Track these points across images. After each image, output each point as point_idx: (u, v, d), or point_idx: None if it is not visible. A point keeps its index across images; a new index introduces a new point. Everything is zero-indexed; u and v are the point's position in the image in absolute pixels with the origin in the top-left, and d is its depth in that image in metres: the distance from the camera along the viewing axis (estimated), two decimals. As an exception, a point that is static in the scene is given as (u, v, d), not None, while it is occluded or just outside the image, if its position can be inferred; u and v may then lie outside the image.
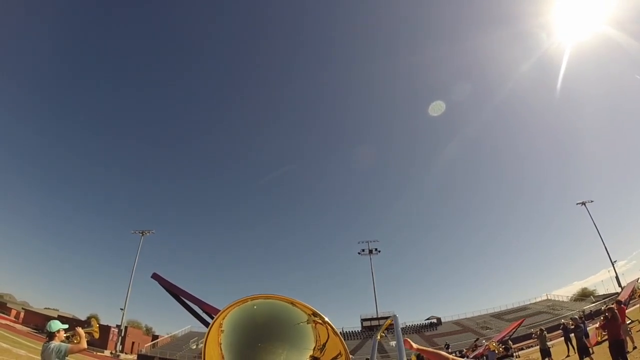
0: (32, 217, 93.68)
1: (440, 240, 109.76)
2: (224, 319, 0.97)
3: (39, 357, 4.85)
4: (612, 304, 12.17)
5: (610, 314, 9.95)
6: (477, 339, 29.67)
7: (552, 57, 79.76)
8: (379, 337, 2.47)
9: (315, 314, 0.97)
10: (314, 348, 0.97)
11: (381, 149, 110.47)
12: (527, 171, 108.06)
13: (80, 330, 5.21)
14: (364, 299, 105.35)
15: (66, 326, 5.12)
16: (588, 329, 17.09)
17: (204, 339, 0.98)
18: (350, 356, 0.99)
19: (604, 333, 12.81)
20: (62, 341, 4.92)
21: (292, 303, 0.97)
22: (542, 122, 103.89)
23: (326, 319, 0.96)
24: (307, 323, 0.98)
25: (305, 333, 0.98)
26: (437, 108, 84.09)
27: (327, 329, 0.97)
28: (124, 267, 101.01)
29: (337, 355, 0.98)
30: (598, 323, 15.06)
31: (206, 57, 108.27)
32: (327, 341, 0.97)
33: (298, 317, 0.98)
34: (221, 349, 0.98)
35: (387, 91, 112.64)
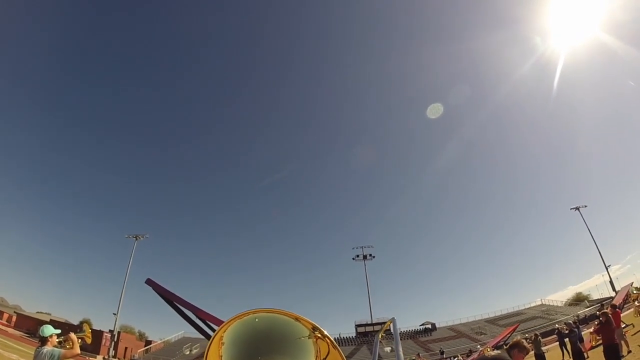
0: (25, 220, 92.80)
1: (435, 246, 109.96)
2: (225, 331, 0.97)
3: None
4: (607, 309, 12.21)
5: (604, 319, 9.95)
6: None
7: (547, 62, 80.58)
8: (380, 338, 2.51)
9: (315, 328, 0.98)
10: None
11: (377, 152, 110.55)
12: (521, 176, 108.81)
13: (72, 335, 5.18)
14: (358, 305, 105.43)
15: (59, 331, 5.08)
16: (582, 333, 17.16)
17: (205, 352, 0.98)
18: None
19: (598, 337, 12.85)
20: (54, 346, 4.88)
21: (294, 318, 0.98)
22: (537, 126, 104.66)
23: (325, 332, 0.97)
24: (308, 338, 0.99)
25: (306, 347, 0.99)
26: (435, 110, 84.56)
27: (327, 343, 0.98)
28: (117, 272, 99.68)
29: None
30: (592, 327, 15.13)
31: (203, 57, 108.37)
32: (327, 356, 0.98)
33: (299, 332, 0.98)
34: None
35: (383, 94, 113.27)
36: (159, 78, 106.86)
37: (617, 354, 9.63)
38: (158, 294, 9.42)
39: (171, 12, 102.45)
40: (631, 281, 29.91)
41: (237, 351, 0.99)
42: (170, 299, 9.13)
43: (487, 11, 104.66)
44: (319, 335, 0.98)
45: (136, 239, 51.98)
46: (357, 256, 62.39)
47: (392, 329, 2.06)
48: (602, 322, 10.07)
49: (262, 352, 0.99)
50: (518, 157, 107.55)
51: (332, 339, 0.97)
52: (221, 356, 0.98)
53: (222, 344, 0.98)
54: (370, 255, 62.29)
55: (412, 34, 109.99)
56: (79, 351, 5.08)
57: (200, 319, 8.69)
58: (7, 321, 43.33)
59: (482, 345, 30.17)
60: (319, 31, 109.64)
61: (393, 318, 2.13)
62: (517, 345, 4.38)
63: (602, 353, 9.89)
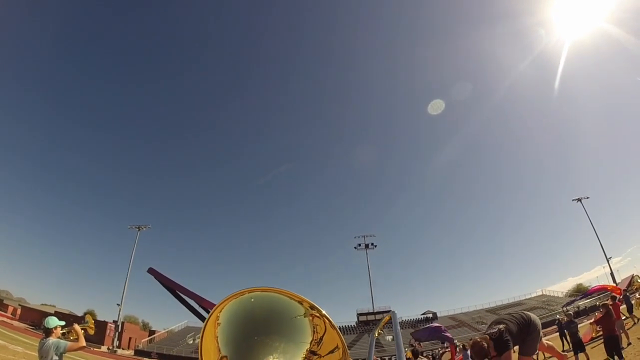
0: (28, 213, 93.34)
1: (437, 236, 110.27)
2: (220, 311, 0.96)
3: (36, 354, 4.82)
4: (607, 300, 12.20)
5: (604, 310, 9.94)
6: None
7: (550, 55, 79.82)
8: (376, 335, 2.45)
9: (312, 307, 0.96)
10: (311, 341, 0.96)
11: (380, 146, 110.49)
12: (524, 168, 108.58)
13: (77, 327, 5.15)
14: (360, 294, 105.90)
15: (63, 323, 5.06)
16: (580, 325, 17.14)
17: (201, 332, 0.97)
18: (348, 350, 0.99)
19: (598, 329, 12.88)
20: (58, 338, 4.87)
21: (289, 296, 0.97)
22: (540, 119, 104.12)
23: (323, 312, 0.95)
24: (304, 316, 0.97)
25: (303, 326, 0.97)
26: (436, 106, 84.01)
27: (324, 322, 0.96)
28: (120, 263, 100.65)
29: (334, 349, 0.97)
30: (593, 318, 15.17)
31: (206, 54, 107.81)
32: (324, 334, 0.97)
33: (295, 311, 0.97)
34: (217, 342, 0.97)
35: (386, 89, 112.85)
36: (162, 74, 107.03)
37: (618, 346, 9.60)
38: (160, 282, 9.47)
39: (171, 9, 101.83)
40: (632, 273, 29.87)
41: (234, 331, 0.97)
42: (172, 287, 9.16)
43: (488, 5, 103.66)
44: (317, 314, 0.96)
45: (139, 230, 52.23)
46: (359, 245, 62.42)
47: (392, 322, 2.01)
48: (602, 313, 10.05)
49: (259, 332, 0.97)
50: (521, 149, 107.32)
51: (330, 319, 0.95)
52: (217, 336, 0.97)
53: (218, 324, 0.97)
54: (372, 244, 62.32)
55: (414, 30, 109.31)
56: (84, 344, 5.02)
57: (202, 307, 8.73)
58: (11, 314, 43.67)
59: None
60: (322, 28, 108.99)
61: (392, 312, 2.07)
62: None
63: (603, 344, 9.89)
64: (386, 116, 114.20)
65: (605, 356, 9.67)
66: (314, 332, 0.97)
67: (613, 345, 9.43)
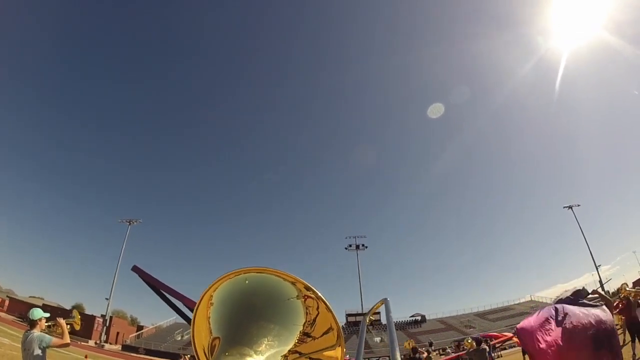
0: (17, 205, 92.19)
1: (427, 239, 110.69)
2: (214, 291, 0.94)
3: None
4: (624, 293, 12.70)
5: (626, 301, 11.20)
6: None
7: (549, 62, 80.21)
8: (368, 321, 2.40)
9: (308, 289, 0.94)
10: (305, 323, 0.96)
11: (373, 148, 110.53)
12: (517, 174, 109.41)
13: (61, 320, 5.06)
14: (349, 294, 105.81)
15: (48, 315, 4.99)
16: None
17: (194, 311, 0.95)
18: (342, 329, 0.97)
19: (622, 317, 13.70)
20: (42, 330, 4.80)
21: (284, 277, 0.95)
22: (536, 125, 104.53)
23: (319, 293, 0.94)
24: (298, 298, 0.96)
25: (297, 308, 0.96)
26: (436, 110, 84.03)
27: (318, 304, 0.95)
28: (110, 257, 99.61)
29: (328, 330, 0.96)
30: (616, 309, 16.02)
31: (201, 51, 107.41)
32: (317, 316, 0.96)
33: (290, 292, 0.96)
34: (210, 323, 0.96)
35: (383, 93, 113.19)
36: (156, 71, 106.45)
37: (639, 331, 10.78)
38: (145, 282, 9.30)
39: (166, 6, 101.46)
40: (621, 282, 30.05)
41: (227, 312, 0.95)
42: (157, 287, 9.01)
43: (488, 12, 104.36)
44: (312, 295, 0.95)
45: (129, 224, 51.86)
46: (350, 246, 62.36)
47: (384, 311, 1.90)
48: (623, 303, 11.29)
49: (253, 314, 0.95)
50: (515, 157, 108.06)
51: (325, 301, 0.94)
52: (209, 317, 0.95)
53: (211, 304, 0.95)
54: (363, 245, 62.28)
55: (414, 33, 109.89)
56: (69, 341, 4.93)
57: (188, 307, 8.62)
58: (-1, 305, 43.20)
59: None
60: (318, 29, 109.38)
61: (385, 299, 1.94)
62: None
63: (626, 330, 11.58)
64: (381, 118, 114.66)
65: (629, 340, 11.35)
66: (306, 314, 0.96)
67: (636, 330, 10.88)
